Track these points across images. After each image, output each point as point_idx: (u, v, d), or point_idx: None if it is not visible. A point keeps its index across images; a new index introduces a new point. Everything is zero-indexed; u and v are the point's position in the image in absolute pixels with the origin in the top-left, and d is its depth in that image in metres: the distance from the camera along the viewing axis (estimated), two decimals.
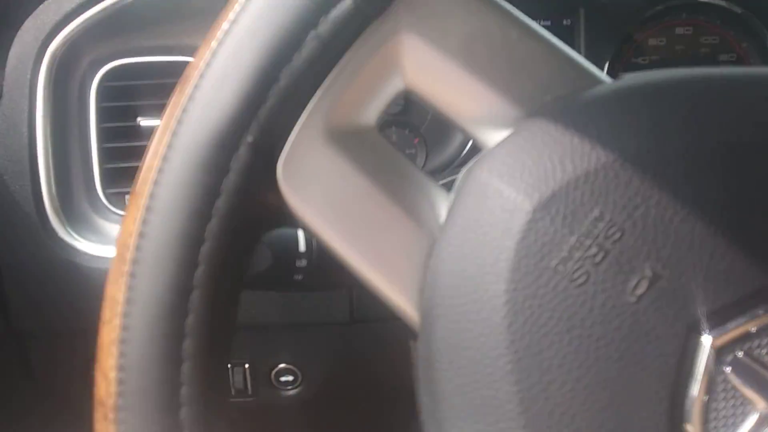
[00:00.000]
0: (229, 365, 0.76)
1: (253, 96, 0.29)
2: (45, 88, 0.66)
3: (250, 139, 0.29)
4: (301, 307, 0.72)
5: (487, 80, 0.30)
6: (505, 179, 0.28)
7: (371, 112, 0.31)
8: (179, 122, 0.29)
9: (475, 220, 0.28)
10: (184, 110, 0.29)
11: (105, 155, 0.70)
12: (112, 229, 0.70)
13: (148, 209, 0.29)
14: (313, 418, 0.87)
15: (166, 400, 0.30)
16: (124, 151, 0.69)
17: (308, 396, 0.79)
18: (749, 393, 0.27)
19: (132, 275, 0.29)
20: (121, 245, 0.30)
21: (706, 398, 0.27)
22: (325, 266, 0.50)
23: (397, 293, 0.31)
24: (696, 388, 0.27)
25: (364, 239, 0.30)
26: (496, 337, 0.27)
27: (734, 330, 0.27)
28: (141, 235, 0.29)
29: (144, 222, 0.29)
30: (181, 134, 0.29)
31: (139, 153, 0.68)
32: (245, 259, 0.32)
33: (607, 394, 0.27)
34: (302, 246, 0.49)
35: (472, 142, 0.76)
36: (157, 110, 0.69)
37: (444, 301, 0.29)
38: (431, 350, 0.29)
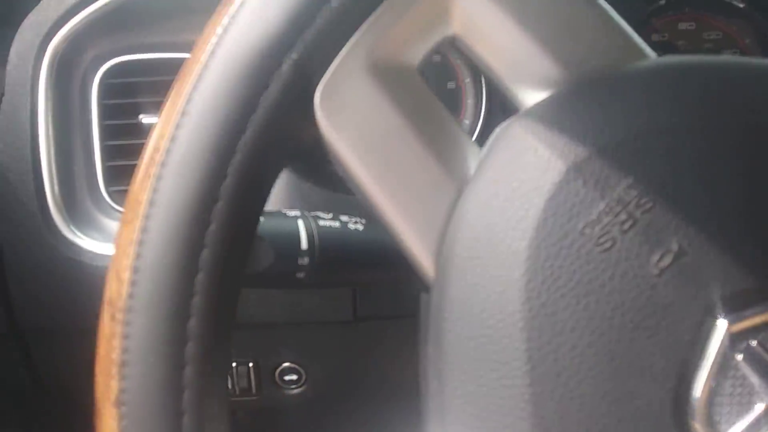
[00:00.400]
0: (234, 364, 0.76)
1: (301, 15, 0.29)
2: (47, 85, 0.66)
3: (294, 56, 0.29)
4: (305, 306, 0.72)
5: (536, 39, 0.30)
6: (541, 138, 0.28)
7: (415, 53, 0.31)
8: (226, 30, 0.29)
9: (506, 174, 0.29)
10: (232, 18, 0.29)
11: (108, 153, 0.70)
12: (116, 226, 0.70)
13: (184, 113, 0.30)
14: (318, 417, 0.87)
15: (176, 308, 0.29)
16: (127, 149, 0.69)
17: (312, 395, 0.79)
18: (758, 383, 0.26)
19: (158, 177, 0.30)
20: (152, 149, 0.30)
21: (714, 383, 0.27)
22: (327, 264, 0.50)
23: (417, 238, 0.31)
24: (705, 371, 0.27)
25: (392, 178, 0.30)
26: (512, 293, 0.27)
27: (751, 318, 0.26)
28: (172, 138, 0.29)
29: (177, 126, 0.29)
30: (225, 42, 0.29)
31: (141, 151, 0.69)
32: (269, 180, 0.32)
33: (615, 364, 0.27)
34: (304, 243, 0.48)
35: (476, 139, 0.76)
36: (160, 107, 0.69)
37: (464, 252, 0.29)
38: (443, 300, 0.29)
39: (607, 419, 0.27)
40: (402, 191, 0.30)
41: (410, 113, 0.30)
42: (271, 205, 0.69)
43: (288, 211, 0.50)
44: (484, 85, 0.76)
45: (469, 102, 0.76)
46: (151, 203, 0.30)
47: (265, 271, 0.47)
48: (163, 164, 0.30)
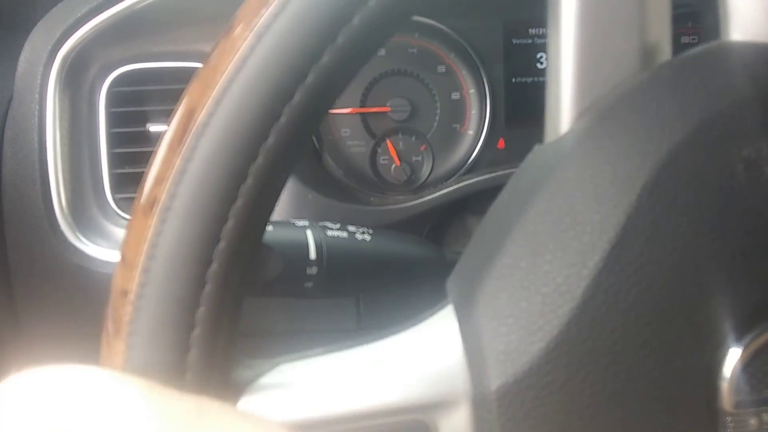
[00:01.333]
0: None
1: None
2: (55, 92, 0.67)
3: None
4: (308, 315, 0.72)
5: None
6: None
7: None
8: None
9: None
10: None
11: (114, 160, 0.70)
12: (121, 234, 0.70)
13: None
14: None
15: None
16: (134, 157, 0.70)
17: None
18: None
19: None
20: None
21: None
22: (335, 273, 0.50)
23: None
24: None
25: None
26: (632, 182, 0.29)
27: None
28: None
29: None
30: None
31: (148, 159, 0.69)
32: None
33: (697, 290, 0.29)
34: (313, 253, 0.49)
35: (480, 149, 0.77)
36: (167, 116, 0.70)
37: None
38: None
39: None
40: None
41: None
42: (279, 216, 0.70)
43: (297, 221, 0.50)
44: (488, 96, 0.77)
45: (473, 112, 0.77)
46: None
47: (274, 281, 0.47)
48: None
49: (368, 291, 0.57)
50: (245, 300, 0.34)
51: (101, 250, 0.68)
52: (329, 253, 0.49)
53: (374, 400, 0.31)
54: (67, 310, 0.69)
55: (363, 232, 0.52)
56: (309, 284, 0.49)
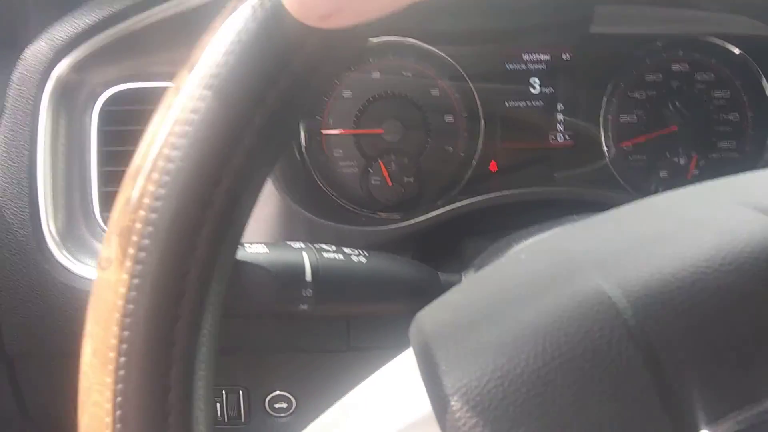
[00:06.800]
0: (223, 391, 0.76)
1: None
2: (48, 110, 0.66)
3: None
4: (299, 335, 0.72)
5: None
6: None
7: None
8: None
9: None
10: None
11: (104, 179, 0.70)
12: None
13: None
14: None
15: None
16: (124, 175, 0.69)
17: (302, 425, 0.78)
18: None
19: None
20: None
21: None
22: (330, 296, 0.50)
23: None
24: None
25: None
26: None
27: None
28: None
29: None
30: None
31: None
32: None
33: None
34: (309, 275, 0.48)
35: (472, 172, 0.77)
36: None
37: None
38: None
39: None
40: None
41: None
42: (271, 237, 0.69)
43: (293, 243, 0.50)
44: (481, 119, 0.77)
45: (466, 135, 0.77)
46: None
47: (270, 303, 0.47)
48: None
49: (363, 313, 0.57)
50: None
51: (88, 268, 0.67)
52: (325, 276, 0.49)
53: None
54: (50, 328, 0.68)
55: (359, 255, 0.52)
56: (304, 306, 0.48)
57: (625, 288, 0.28)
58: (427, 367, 0.30)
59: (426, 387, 0.30)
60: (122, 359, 0.29)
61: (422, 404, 0.30)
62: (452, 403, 0.28)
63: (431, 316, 0.32)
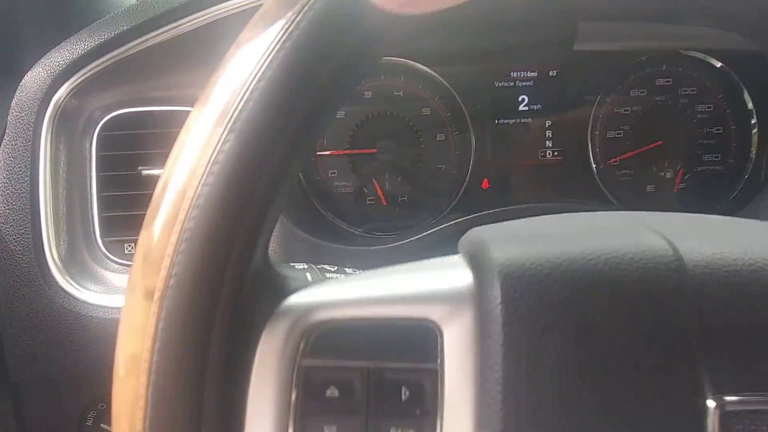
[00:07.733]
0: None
1: None
2: (48, 137, 0.67)
3: None
4: None
5: None
6: None
7: None
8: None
9: None
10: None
11: (105, 204, 0.70)
12: (111, 277, 0.70)
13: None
14: None
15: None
16: (124, 200, 0.70)
17: None
18: None
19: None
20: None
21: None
22: None
23: None
24: None
25: None
26: None
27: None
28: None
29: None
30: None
31: (139, 201, 0.69)
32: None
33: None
34: None
35: (464, 189, 0.78)
36: (158, 159, 0.70)
37: None
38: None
39: None
40: None
41: None
42: (277, 259, 0.70)
43: (296, 264, 0.51)
44: (472, 137, 0.78)
45: (457, 153, 0.79)
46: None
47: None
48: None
49: None
50: None
51: (91, 294, 0.68)
52: None
53: (388, 291, 0.35)
54: (54, 353, 0.68)
55: (359, 274, 0.53)
56: None
57: (688, 254, 0.31)
58: (476, 249, 0.34)
59: (470, 264, 0.34)
60: None
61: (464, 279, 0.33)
62: (496, 277, 0.31)
63: (484, 228, 0.36)
